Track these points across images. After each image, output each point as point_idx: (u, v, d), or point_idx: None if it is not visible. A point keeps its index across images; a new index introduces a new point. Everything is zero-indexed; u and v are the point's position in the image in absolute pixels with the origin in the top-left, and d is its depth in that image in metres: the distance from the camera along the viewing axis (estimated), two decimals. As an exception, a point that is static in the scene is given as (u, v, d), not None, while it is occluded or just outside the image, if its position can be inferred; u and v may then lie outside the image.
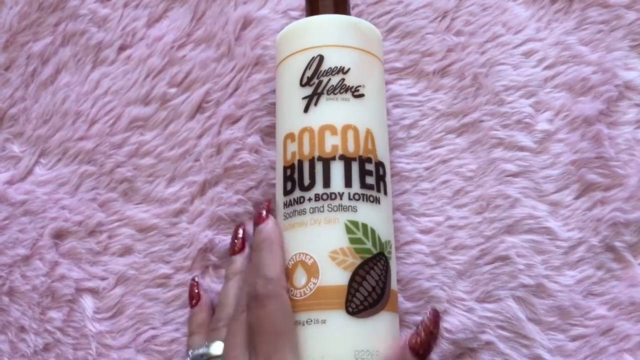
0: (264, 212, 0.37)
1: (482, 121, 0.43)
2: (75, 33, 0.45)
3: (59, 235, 0.43)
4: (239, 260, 0.40)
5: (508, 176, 0.42)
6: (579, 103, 0.43)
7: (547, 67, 0.43)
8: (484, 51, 0.44)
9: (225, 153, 0.43)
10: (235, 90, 0.44)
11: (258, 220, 0.36)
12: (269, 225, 0.36)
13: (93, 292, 0.42)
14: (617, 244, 0.41)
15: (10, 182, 0.44)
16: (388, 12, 0.44)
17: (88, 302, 0.42)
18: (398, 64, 0.44)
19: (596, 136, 0.42)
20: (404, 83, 0.44)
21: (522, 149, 0.42)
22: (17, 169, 0.44)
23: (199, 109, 0.44)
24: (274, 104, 0.43)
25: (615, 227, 0.41)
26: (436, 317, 0.34)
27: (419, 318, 0.40)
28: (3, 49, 0.46)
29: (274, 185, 0.42)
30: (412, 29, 0.44)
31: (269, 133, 0.43)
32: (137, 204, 0.43)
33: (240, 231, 0.41)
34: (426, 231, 0.41)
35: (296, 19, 0.44)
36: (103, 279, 0.42)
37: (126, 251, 0.43)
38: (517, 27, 0.44)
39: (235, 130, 0.43)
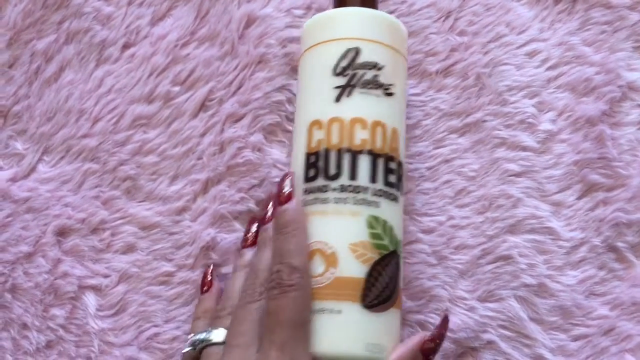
0: (287, 189, 0.35)
1: (485, 121, 0.43)
2: (79, 31, 0.45)
3: (62, 233, 0.43)
4: (249, 253, 0.39)
5: (511, 176, 0.42)
6: (582, 103, 0.43)
7: (550, 68, 0.43)
8: (487, 51, 0.44)
9: (228, 151, 0.43)
10: (239, 88, 0.44)
11: (281, 199, 0.35)
12: (293, 205, 0.35)
13: (96, 289, 0.42)
14: (619, 244, 0.41)
15: (13, 180, 0.44)
16: (392, 12, 0.44)
17: (91, 300, 0.42)
18: (401, 64, 0.44)
19: (599, 137, 0.42)
20: (407, 83, 0.44)
21: (524, 149, 0.42)
22: (20, 166, 0.44)
23: (202, 107, 0.44)
24: (277, 102, 0.43)
25: (618, 227, 0.41)
26: (447, 322, 0.35)
27: (420, 317, 0.40)
28: (7, 47, 0.46)
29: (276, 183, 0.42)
30: (415, 28, 0.44)
31: (271, 131, 0.43)
32: (140, 201, 0.43)
33: (254, 226, 0.40)
34: (428, 231, 0.41)
35: (300, 17, 0.44)
36: (106, 276, 0.42)
37: (129, 249, 0.43)
38: (521, 27, 0.44)
39: (238, 129, 0.43)
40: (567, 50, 0.44)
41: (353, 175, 0.35)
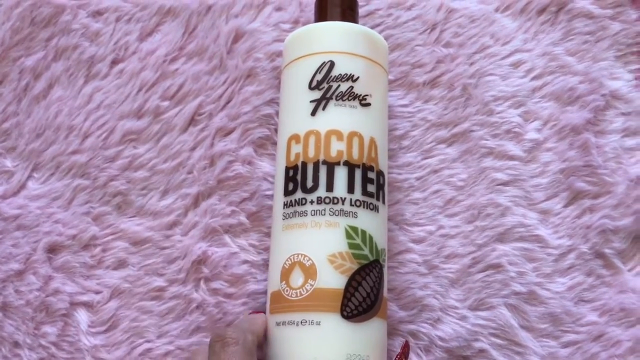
0: None
1: (472, 131, 0.43)
2: (68, 47, 0.46)
3: (53, 250, 0.43)
4: None
5: (498, 185, 0.42)
6: (566, 112, 0.43)
7: (534, 78, 0.44)
8: (473, 62, 0.44)
9: (218, 165, 0.43)
10: (228, 102, 0.44)
11: None
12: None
13: (87, 306, 0.42)
14: (607, 250, 0.41)
15: (3, 197, 0.44)
16: (378, 25, 0.45)
17: (82, 316, 0.42)
18: (389, 76, 0.44)
19: (584, 145, 0.43)
20: (395, 94, 0.44)
21: (511, 158, 0.43)
22: (9, 183, 0.44)
23: (192, 121, 0.44)
24: (266, 115, 0.44)
25: (605, 234, 0.41)
26: (408, 348, 0.36)
27: (412, 327, 0.40)
28: (-5, 64, 0.46)
29: (267, 196, 0.42)
30: (401, 41, 0.45)
31: (261, 145, 0.43)
32: (130, 217, 0.43)
33: None
34: (418, 240, 0.42)
35: (287, 31, 0.44)
36: (97, 292, 0.42)
37: (120, 264, 0.43)
38: (505, 38, 0.45)
39: (228, 142, 0.43)
40: (550, 60, 0.44)
41: (330, 187, 0.36)
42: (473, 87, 0.44)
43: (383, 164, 0.38)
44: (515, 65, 0.44)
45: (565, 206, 0.42)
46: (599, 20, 0.45)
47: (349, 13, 0.40)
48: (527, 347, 0.40)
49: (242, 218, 0.42)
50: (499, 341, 0.40)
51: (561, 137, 0.43)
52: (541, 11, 0.45)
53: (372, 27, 0.45)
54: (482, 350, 0.40)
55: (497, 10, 0.45)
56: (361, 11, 0.45)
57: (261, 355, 0.36)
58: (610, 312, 0.40)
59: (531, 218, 0.42)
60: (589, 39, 0.44)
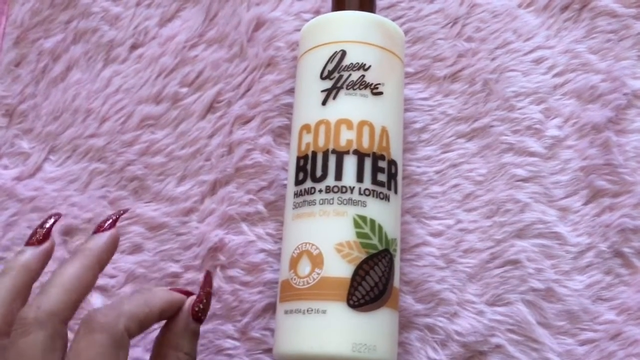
0: (110, 222, 0.34)
1: (492, 126, 0.43)
2: (87, 31, 0.45)
3: (68, 232, 0.43)
4: (29, 253, 0.33)
5: (518, 181, 0.42)
6: (587, 110, 0.43)
7: (556, 75, 0.44)
8: (495, 57, 0.44)
9: (236, 153, 0.43)
10: (247, 90, 0.44)
11: (97, 228, 0.34)
12: (104, 237, 0.33)
13: (102, 289, 0.42)
14: (626, 249, 0.41)
15: (19, 178, 0.44)
16: (400, 17, 0.45)
17: (97, 300, 0.42)
18: (409, 69, 0.44)
19: (605, 143, 0.42)
20: (415, 87, 0.44)
21: (532, 154, 0.43)
22: (26, 165, 0.44)
23: (211, 108, 0.44)
24: (286, 104, 0.43)
25: (624, 233, 0.41)
26: (210, 278, 0.35)
27: (429, 320, 0.40)
28: (14, 45, 0.45)
29: (285, 186, 0.42)
30: (423, 34, 0.45)
31: (280, 134, 0.43)
32: (147, 202, 0.43)
33: (51, 221, 0.34)
34: (436, 234, 0.42)
35: (308, 21, 0.44)
36: (112, 276, 0.42)
37: (136, 249, 0.42)
38: (527, 34, 0.44)
39: (247, 131, 0.43)
40: (573, 58, 0.44)
41: (339, 176, 0.36)
42: (494, 83, 0.44)
43: (396, 153, 0.38)
44: (537, 61, 0.44)
45: (585, 204, 0.42)
46: (623, 19, 0.44)
47: (367, 3, 0.40)
48: (544, 344, 0.40)
49: (260, 207, 0.42)
50: (515, 337, 0.40)
51: (582, 135, 0.43)
52: (564, 8, 0.45)
53: (394, 20, 0.44)
54: (498, 346, 0.40)
55: (520, 6, 0.45)
56: (383, 3, 0.45)
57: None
58: (628, 311, 0.40)
59: (550, 215, 0.42)
60: (611, 37, 0.44)
